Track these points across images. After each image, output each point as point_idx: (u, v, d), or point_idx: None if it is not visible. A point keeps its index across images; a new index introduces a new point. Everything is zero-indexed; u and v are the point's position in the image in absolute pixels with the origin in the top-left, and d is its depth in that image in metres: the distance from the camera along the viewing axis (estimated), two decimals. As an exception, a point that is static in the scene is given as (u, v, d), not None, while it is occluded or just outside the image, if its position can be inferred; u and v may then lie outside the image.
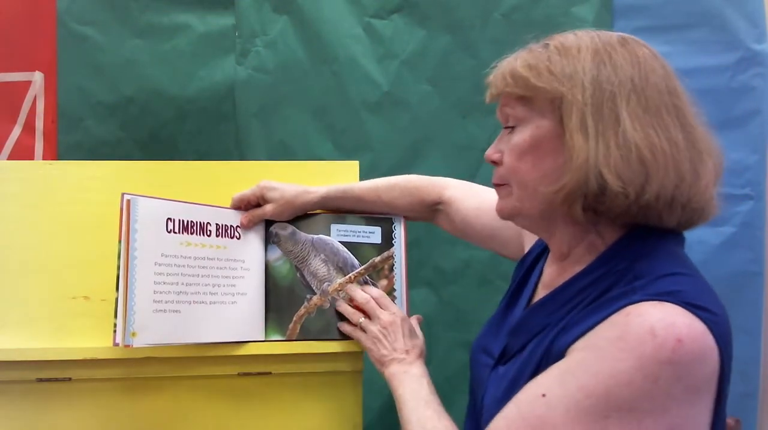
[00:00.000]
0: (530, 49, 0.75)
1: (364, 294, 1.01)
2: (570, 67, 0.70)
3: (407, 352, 0.94)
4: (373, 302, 1.00)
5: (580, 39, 0.72)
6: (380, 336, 0.96)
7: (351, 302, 1.04)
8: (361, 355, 1.05)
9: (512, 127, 0.76)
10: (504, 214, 0.80)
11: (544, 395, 0.65)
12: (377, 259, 1.07)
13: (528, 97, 0.73)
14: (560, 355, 0.68)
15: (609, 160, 0.66)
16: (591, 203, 0.68)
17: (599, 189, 0.67)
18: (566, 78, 0.69)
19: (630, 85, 0.68)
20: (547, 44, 0.74)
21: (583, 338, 0.66)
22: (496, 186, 0.80)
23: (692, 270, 0.70)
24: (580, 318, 0.68)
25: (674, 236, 0.73)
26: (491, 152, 0.79)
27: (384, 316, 0.98)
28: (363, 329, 0.99)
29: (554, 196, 0.70)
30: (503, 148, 0.77)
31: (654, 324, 0.61)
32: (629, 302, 0.64)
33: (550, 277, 0.81)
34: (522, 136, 0.74)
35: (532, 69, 0.72)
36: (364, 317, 1.00)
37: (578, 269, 0.74)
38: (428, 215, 1.10)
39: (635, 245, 0.71)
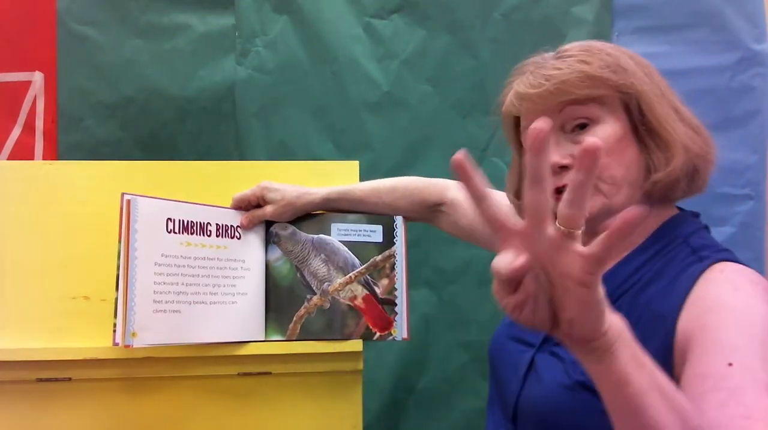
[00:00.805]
0: (577, 53, 0.76)
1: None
2: (630, 66, 0.75)
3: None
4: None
5: (605, 44, 0.78)
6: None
7: (353, 301, 1.04)
8: (361, 355, 1.05)
9: (580, 128, 0.76)
10: (592, 215, 0.74)
11: (730, 364, 0.60)
12: (378, 258, 1.08)
13: (598, 96, 0.75)
14: (659, 318, 0.68)
15: (695, 141, 0.74)
16: (689, 183, 0.75)
17: (697, 167, 0.75)
18: (633, 74, 0.75)
19: (663, 82, 0.78)
20: (587, 49, 0.77)
21: (692, 303, 0.67)
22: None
23: None
24: (665, 290, 0.70)
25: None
26: (560, 159, 0.75)
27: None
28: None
29: (656, 184, 0.74)
30: (571, 152, 0.75)
31: (749, 276, 0.68)
32: (714, 261, 0.69)
33: None
34: (604, 132, 0.75)
35: (607, 69, 0.74)
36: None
37: (625, 252, 0.77)
38: (428, 215, 1.10)
39: (683, 226, 0.77)
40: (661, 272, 0.72)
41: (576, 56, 0.76)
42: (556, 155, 0.75)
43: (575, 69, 0.74)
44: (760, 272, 1.60)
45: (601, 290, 0.50)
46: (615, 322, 0.53)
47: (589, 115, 0.75)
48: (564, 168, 0.75)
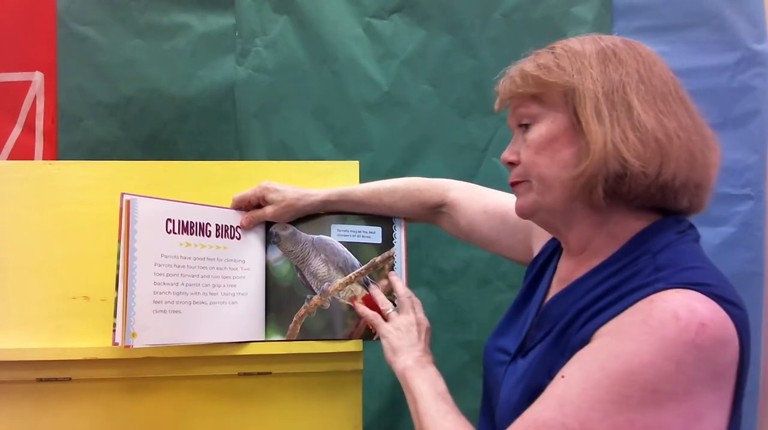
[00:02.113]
0: (536, 54, 0.78)
1: (406, 289, 1.03)
2: (578, 63, 0.74)
3: (425, 352, 0.93)
4: (412, 299, 1.00)
5: (584, 41, 0.77)
6: (403, 329, 0.95)
7: (352, 300, 1.04)
8: (361, 355, 1.05)
9: (526, 126, 0.78)
10: (525, 210, 0.79)
11: (563, 376, 0.66)
12: (378, 259, 1.08)
13: (539, 94, 0.76)
14: (583, 344, 0.68)
15: (627, 143, 0.69)
16: (612, 186, 0.71)
17: (620, 171, 0.70)
18: (575, 72, 0.73)
19: (637, 76, 0.72)
20: (553, 47, 0.77)
21: (607, 325, 0.66)
22: (514, 185, 0.80)
23: (713, 266, 0.71)
24: (601, 309, 0.69)
25: (692, 229, 0.76)
26: (508, 155, 0.80)
27: (418, 314, 0.98)
28: (386, 319, 0.99)
29: (575, 182, 0.72)
30: (519, 149, 0.79)
31: (678, 308, 0.62)
32: (654, 291, 0.65)
33: (567, 271, 0.81)
34: (538, 131, 0.76)
35: (542, 68, 0.75)
36: (393, 309, 1.00)
37: (597, 261, 0.75)
38: (430, 216, 1.10)
39: (657, 237, 0.73)
40: (615, 288, 0.69)
41: (533, 54, 0.78)
42: (506, 151, 0.80)
43: (518, 68, 0.78)
44: (760, 271, 1.60)
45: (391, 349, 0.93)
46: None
47: (528, 113, 0.77)
48: (511, 164, 0.80)
